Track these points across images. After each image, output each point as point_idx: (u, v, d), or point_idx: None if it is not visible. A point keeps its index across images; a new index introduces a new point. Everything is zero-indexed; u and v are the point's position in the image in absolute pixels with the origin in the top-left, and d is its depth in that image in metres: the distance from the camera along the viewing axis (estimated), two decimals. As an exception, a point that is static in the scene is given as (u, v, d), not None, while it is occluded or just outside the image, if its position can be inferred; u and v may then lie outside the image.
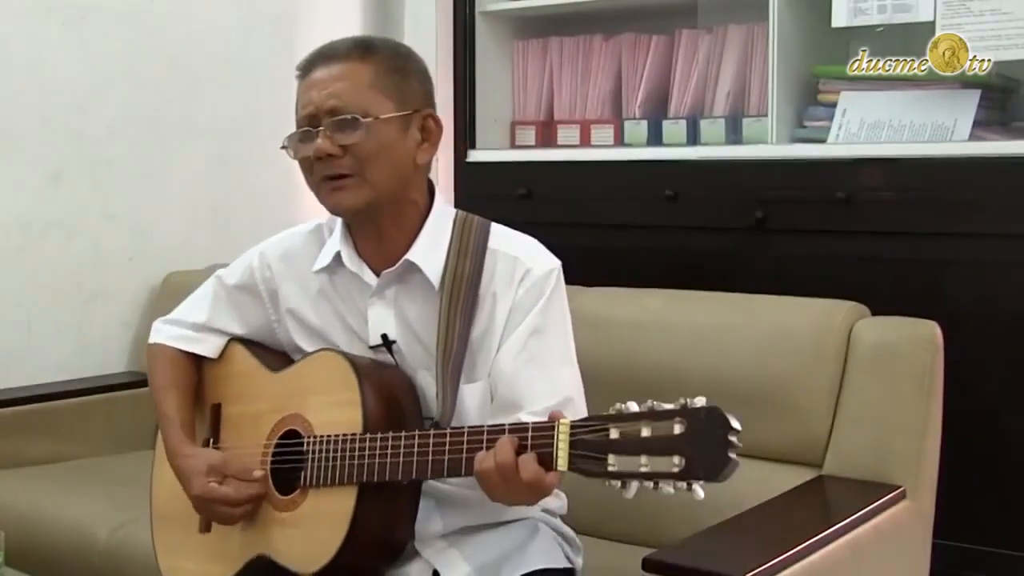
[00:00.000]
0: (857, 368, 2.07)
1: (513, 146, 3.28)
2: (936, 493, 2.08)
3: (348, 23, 3.58)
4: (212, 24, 3.28)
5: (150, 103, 3.16)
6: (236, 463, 1.76)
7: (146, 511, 1.96)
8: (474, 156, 3.17)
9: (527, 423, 1.51)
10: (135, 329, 3.15)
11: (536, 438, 1.49)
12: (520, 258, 1.73)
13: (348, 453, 1.64)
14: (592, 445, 1.43)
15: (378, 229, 1.74)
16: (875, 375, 2.05)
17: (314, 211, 1.80)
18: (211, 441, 1.87)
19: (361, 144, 1.66)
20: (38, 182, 2.98)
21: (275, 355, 1.88)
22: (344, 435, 1.65)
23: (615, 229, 2.92)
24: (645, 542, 1.97)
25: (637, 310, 2.32)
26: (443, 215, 1.77)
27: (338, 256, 1.77)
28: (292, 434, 1.75)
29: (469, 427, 1.58)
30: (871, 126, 2.64)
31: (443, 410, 1.67)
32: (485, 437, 1.53)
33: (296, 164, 1.76)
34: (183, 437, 1.83)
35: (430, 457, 1.58)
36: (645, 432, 1.40)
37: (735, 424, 1.37)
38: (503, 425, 1.54)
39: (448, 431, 1.59)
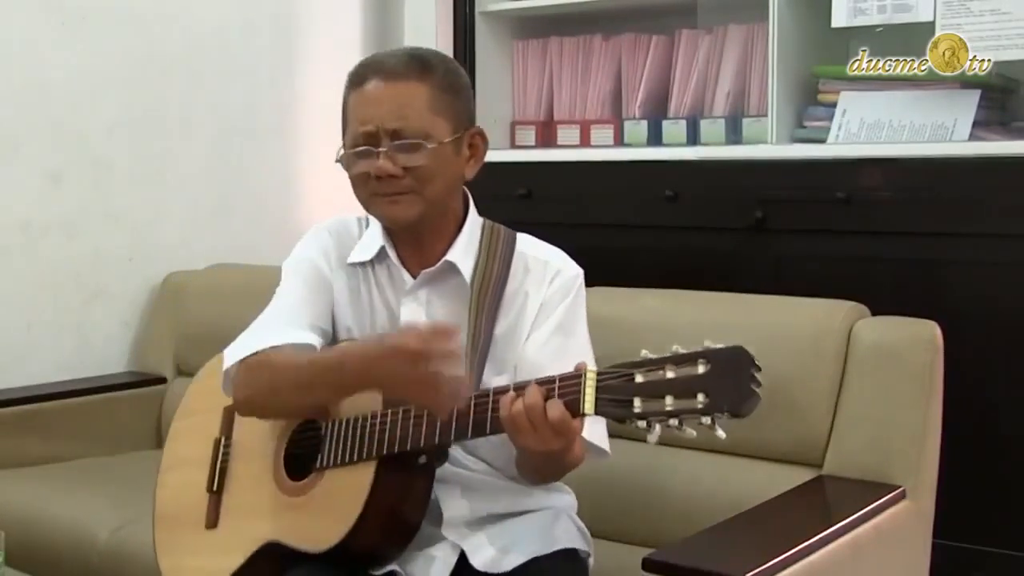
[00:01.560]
0: (857, 368, 2.07)
1: (513, 146, 3.28)
2: (936, 493, 2.08)
3: (348, 23, 3.58)
4: (212, 24, 3.28)
5: (150, 103, 3.16)
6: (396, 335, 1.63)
7: (146, 511, 1.96)
8: (474, 156, 3.17)
9: (553, 376, 1.56)
10: (135, 329, 3.16)
11: (563, 387, 1.54)
12: (550, 261, 1.82)
13: (368, 429, 1.67)
14: (618, 389, 1.49)
15: (418, 234, 1.79)
16: (875, 375, 2.05)
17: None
18: (223, 439, 1.88)
19: (423, 167, 1.72)
20: (38, 182, 2.98)
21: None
22: (363, 415, 1.68)
23: (615, 229, 2.92)
24: (645, 542, 1.97)
25: (637, 310, 2.32)
26: (475, 221, 1.85)
27: (382, 251, 1.81)
28: (310, 423, 1.77)
29: (495, 387, 1.62)
30: (871, 126, 2.64)
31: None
32: (512, 390, 1.57)
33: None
34: (361, 349, 1.68)
35: (454, 421, 1.61)
36: (669, 374, 1.46)
37: (756, 361, 1.42)
38: (530, 380, 1.58)
39: (473, 394, 1.62)
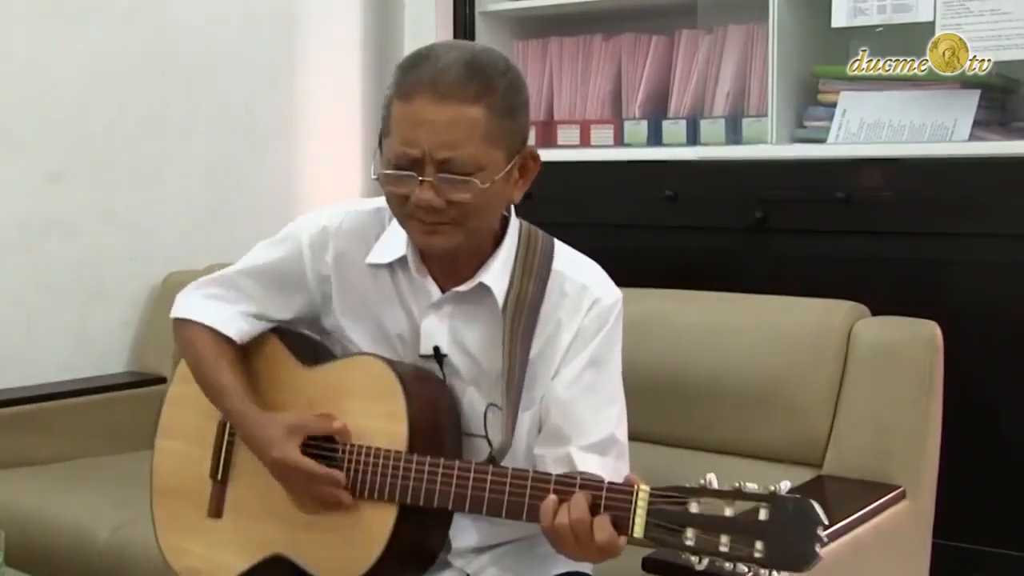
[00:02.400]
0: (857, 368, 2.07)
1: (513, 146, 3.28)
2: (936, 493, 2.08)
3: (348, 23, 3.57)
4: (212, 23, 3.28)
5: (150, 103, 3.16)
6: (313, 424, 1.66)
7: (147, 512, 1.95)
8: (474, 156, 3.16)
9: (602, 481, 1.47)
10: (135, 329, 3.15)
11: (611, 499, 1.45)
12: (589, 287, 1.68)
13: (391, 470, 1.60)
14: (671, 516, 1.40)
15: (453, 252, 1.66)
16: (875, 375, 2.05)
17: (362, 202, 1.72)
18: (228, 425, 1.80)
19: (471, 203, 1.56)
20: (38, 182, 2.98)
21: (308, 347, 1.80)
22: (387, 451, 1.61)
23: (615, 229, 2.92)
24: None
25: (637, 310, 2.32)
26: (514, 235, 1.70)
27: (403, 259, 1.69)
28: (326, 437, 1.68)
29: (534, 473, 1.53)
30: (871, 126, 2.64)
31: (504, 437, 1.62)
32: (553, 488, 1.49)
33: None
34: (250, 404, 1.71)
35: (486, 494, 1.54)
36: (728, 512, 1.37)
37: (824, 519, 1.33)
38: (574, 479, 1.49)
39: (509, 471, 1.55)
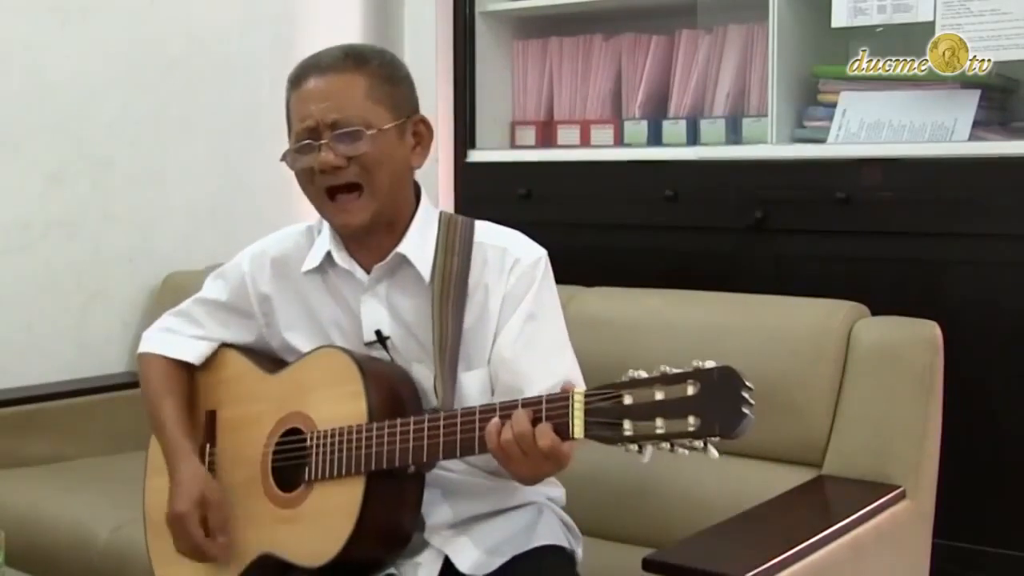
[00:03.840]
0: (857, 368, 2.07)
1: (513, 146, 3.28)
2: (936, 493, 2.08)
3: (348, 23, 3.58)
4: (212, 24, 3.28)
5: (150, 103, 3.16)
6: (220, 514, 1.78)
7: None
8: (474, 156, 3.17)
9: (540, 397, 1.53)
10: (135, 330, 3.15)
11: (551, 409, 1.51)
12: (508, 248, 1.77)
13: (355, 443, 1.65)
14: (607, 412, 1.46)
15: (370, 226, 1.76)
16: (875, 375, 2.05)
17: (314, 211, 1.80)
18: (208, 447, 1.87)
19: (366, 154, 1.70)
20: (38, 182, 2.98)
21: (269, 357, 1.89)
22: (349, 427, 1.67)
23: (615, 229, 2.92)
24: (645, 542, 1.97)
25: (637, 310, 2.32)
26: (429, 213, 1.81)
27: (329, 255, 1.80)
28: (294, 432, 1.75)
29: (480, 406, 1.60)
30: (871, 126, 2.64)
31: (443, 399, 1.69)
32: (498, 414, 1.55)
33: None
34: (183, 445, 1.84)
35: (441, 439, 1.60)
36: (659, 395, 1.43)
37: (747, 382, 1.39)
38: (516, 401, 1.56)
39: (459, 411, 1.61)
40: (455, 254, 1.76)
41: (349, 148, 1.70)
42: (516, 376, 1.70)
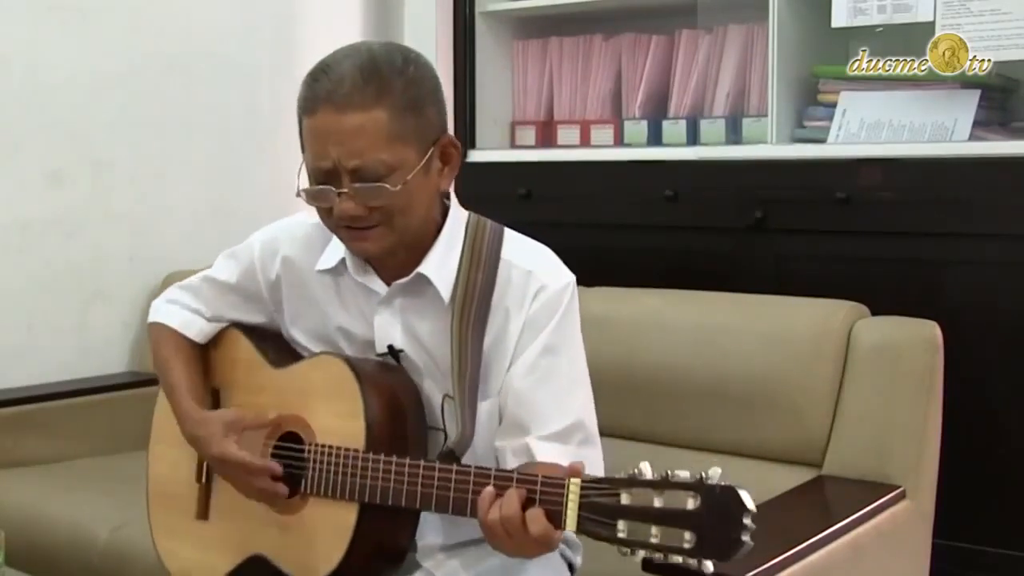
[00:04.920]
0: (857, 368, 2.07)
1: (513, 146, 3.28)
2: (936, 493, 2.08)
3: (348, 23, 3.58)
4: (212, 24, 3.28)
5: (150, 103, 3.16)
6: (250, 416, 1.72)
7: (146, 511, 1.96)
8: (474, 156, 3.17)
9: (536, 476, 1.47)
10: (135, 329, 3.15)
11: (545, 493, 1.45)
12: (534, 272, 1.67)
13: (350, 469, 1.61)
14: (602, 509, 1.40)
15: (390, 252, 1.68)
16: (875, 375, 2.05)
17: (313, 211, 1.78)
18: None
19: (391, 204, 1.59)
20: (38, 182, 2.98)
21: (277, 348, 1.84)
22: (346, 449, 1.63)
23: (615, 229, 2.92)
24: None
25: (637, 310, 2.32)
26: (456, 224, 1.71)
27: (343, 261, 1.73)
28: (292, 435, 1.73)
29: (476, 467, 1.54)
30: (871, 126, 2.64)
31: (462, 431, 1.63)
32: (492, 482, 1.49)
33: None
34: (193, 404, 1.78)
35: (434, 491, 1.55)
36: (657, 502, 1.36)
37: (750, 506, 1.32)
38: (512, 473, 1.49)
39: (455, 467, 1.55)
40: (480, 269, 1.66)
41: (372, 200, 1.57)
42: (525, 410, 1.64)
